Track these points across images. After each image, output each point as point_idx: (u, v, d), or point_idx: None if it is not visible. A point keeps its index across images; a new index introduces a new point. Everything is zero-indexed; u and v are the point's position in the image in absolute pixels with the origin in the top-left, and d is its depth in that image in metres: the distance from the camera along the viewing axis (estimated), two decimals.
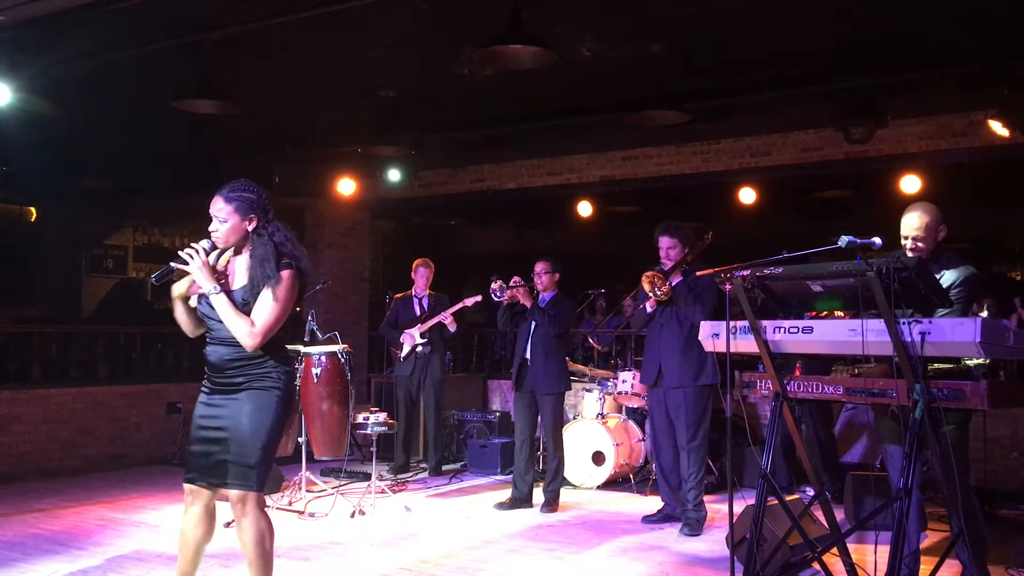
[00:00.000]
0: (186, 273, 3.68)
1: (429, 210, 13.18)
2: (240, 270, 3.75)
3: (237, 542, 3.77)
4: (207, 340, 3.79)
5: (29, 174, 10.55)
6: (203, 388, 3.81)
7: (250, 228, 3.71)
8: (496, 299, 6.59)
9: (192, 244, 3.67)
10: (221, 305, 3.62)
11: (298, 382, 6.61)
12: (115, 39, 5.99)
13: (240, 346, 3.65)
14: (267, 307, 3.63)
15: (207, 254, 3.66)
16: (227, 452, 3.66)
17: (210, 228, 3.70)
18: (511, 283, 6.54)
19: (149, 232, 14.31)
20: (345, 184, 9.63)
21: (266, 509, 3.78)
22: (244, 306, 3.65)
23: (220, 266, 3.77)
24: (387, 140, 8.12)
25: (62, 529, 5.96)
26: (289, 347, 6.54)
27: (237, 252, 3.76)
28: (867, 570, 4.12)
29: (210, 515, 3.80)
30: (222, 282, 3.70)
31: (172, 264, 3.67)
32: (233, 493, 3.66)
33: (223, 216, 3.67)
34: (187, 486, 3.78)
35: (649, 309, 5.99)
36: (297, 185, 9.33)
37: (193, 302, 3.80)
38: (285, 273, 3.68)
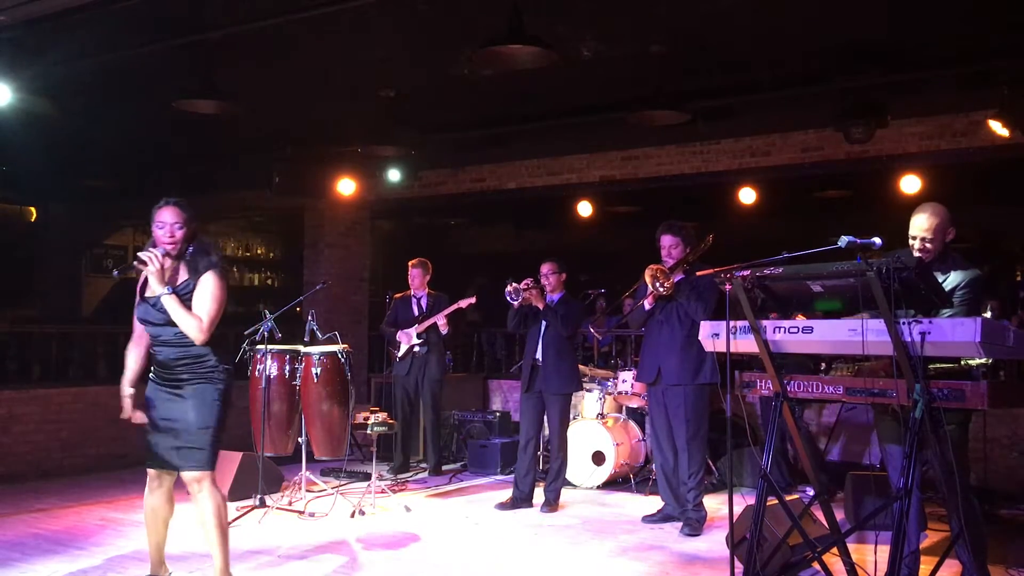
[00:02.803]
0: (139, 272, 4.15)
1: (429, 210, 13.19)
2: (178, 274, 4.21)
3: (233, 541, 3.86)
4: (153, 345, 4.30)
5: (29, 174, 10.56)
6: (152, 379, 4.29)
7: (189, 233, 4.20)
8: (511, 302, 6.59)
9: (150, 249, 4.12)
10: (171, 305, 4.07)
11: (298, 382, 6.61)
12: (115, 39, 5.99)
13: (184, 346, 4.15)
14: (208, 303, 4.12)
15: (160, 260, 4.08)
16: (180, 441, 4.15)
17: (164, 234, 4.14)
18: (523, 285, 6.53)
19: (149, 232, 14.26)
20: (345, 184, 9.63)
21: (217, 486, 4.26)
22: (187, 300, 4.12)
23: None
24: (387, 140, 8.12)
25: (62, 529, 5.96)
26: (289, 347, 6.64)
27: (179, 258, 4.19)
28: (867, 570, 4.12)
29: (171, 493, 4.33)
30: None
31: (135, 263, 4.11)
32: (189, 474, 4.15)
33: (180, 223, 4.15)
34: (151, 471, 4.28)
35: (648, 306, 5.98)
36: (297, 185, 9.32)
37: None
38: (215, 274, 4.16)
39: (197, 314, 4.10)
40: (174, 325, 4.13)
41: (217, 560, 4.22)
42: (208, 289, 4.13)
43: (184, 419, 4.15)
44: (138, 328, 4.41)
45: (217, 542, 4.19)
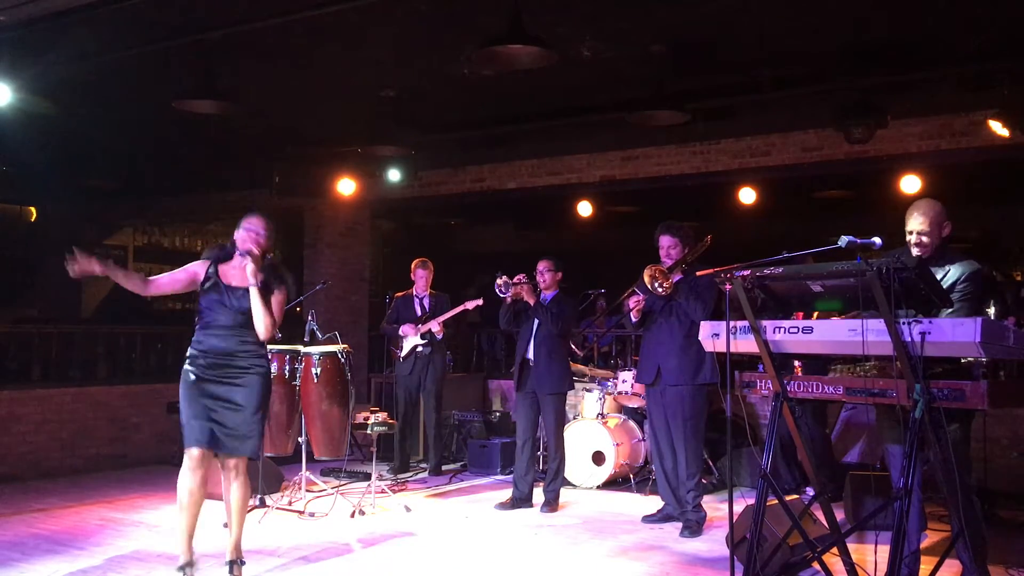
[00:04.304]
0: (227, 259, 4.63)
1: (429, 210, 13.18)
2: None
3: None
4: (207, 329, 4.58)
5: (29, 174, 10.56)
6: (196, 367, 4.55)
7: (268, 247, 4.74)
8: (501, 295, 6.58)
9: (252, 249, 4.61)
10: (256, 297, 4.53)
11: (298, 382, 6.61)
12: (115, 39, 6.00)
13: (245, 335, 4.57)
14: (278, 308, 4.66)
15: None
16: (237, 427, 4.53)
17: (251, 237, 4.61)
18: (515, 280, 6.53)
19: (149, 232, 14.32)
20: (345, 184, 9.63)
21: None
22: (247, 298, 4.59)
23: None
24: (387, 140, 8.12)
25: (62, 529, 5.96)
26: (289, 347, 6.65)
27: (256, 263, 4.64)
28: (867, 570, 4.12)
29: (206, 477, 4.58)
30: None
31: (247, 253, 4.57)
32: (236, 459, 4.58)
33: (266, 234, 4.67)
34: (198, 452, 4.50)
35: (634, 318, 6.04)
36: (297, 185, 9.33)
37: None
38: (286, 291, 4.72)
39: (272, 315, 4.59)
40: (244, 315, 4.56)
41: (235, 534, 4.68)
42: (280, 301, 4.68)
43: (245, 405, 4.55)
44: (159, 280, 4.67)
45: (238, 521, 4.67)
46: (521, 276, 6.57)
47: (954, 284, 4.11)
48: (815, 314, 4.07)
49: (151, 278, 4.69)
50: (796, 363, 4.19)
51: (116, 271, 4.52)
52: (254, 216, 4.71)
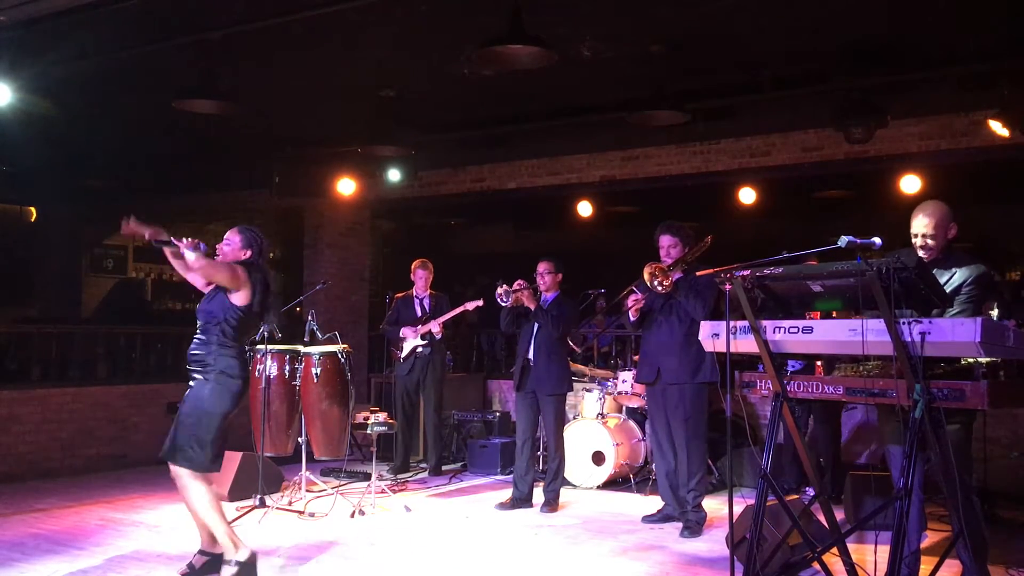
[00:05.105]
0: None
1: (429, 210, 13.18)
2: None
3: None
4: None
5: (29, 174, 10.56)
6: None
7: (244, 257, 4.71)
8: (502, 303, 6.59)
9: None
10: (190, 256, 4.51)
11: (298, 382, 6.61)
12: (115, 39, 6.00)
13: (199, 343, 4.59)
14: (219, 265, 4.60)
15: (198, 248, 4.57)
16: (176, 433, 4.54)
17: (218, 246, 4.73)
18: (514, 287, 6.53)
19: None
20: (345, 184, 9.63)
21: (202, 478, 4.57)
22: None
23: None
24: (387, 140, 8.11)
25: (62, 529, 5.96)
26: (289, 347, 6.65)
27: None
28: (867, 570, 4.12)
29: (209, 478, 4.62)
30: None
31: (173, 242, 4.69)
32: (172, 468, 4.54)
33: (228, 241, 4.73)
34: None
35: (632, 317, 6.04)
36: (297, 185, 9.33)
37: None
38: (236, 264, 4.63)
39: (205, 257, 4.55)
40: (209, 320, 4.60)
41: (215, 533, 4.59)
42: (229, 266, 4.62)
43: (181, 412, 4.58)
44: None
45: (204, 522, 4.58)
46: (520, 282, 6.57)
47: (960, 287, 4.11)
48: (834, 313, 4.06)
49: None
50: (817, 363, 4.18)
51: (163, 237, 4.72)
52: (233, 228, 4.84)
